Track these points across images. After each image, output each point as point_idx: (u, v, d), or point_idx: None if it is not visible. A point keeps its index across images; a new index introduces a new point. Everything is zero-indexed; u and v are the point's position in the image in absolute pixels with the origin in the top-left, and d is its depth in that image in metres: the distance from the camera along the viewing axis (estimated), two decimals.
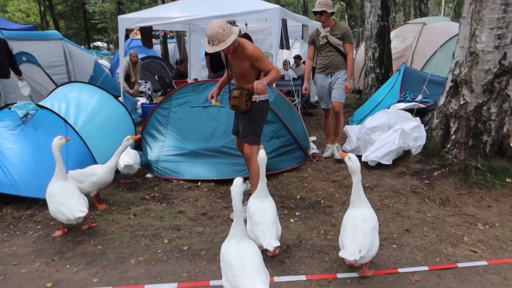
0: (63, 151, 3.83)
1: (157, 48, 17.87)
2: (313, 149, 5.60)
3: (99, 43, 30.01)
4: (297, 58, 10.59)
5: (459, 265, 2.74)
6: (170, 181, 4.48)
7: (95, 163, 4.18)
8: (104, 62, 15.64)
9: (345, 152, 5.31)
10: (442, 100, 4.64)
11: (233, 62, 3.43)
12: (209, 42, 3.20)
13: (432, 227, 3.28)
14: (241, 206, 2.35)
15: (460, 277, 2.62)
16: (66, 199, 3.08)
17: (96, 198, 3.83)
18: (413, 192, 3.98)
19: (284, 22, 6.86)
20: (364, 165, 4.80)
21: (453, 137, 4.48)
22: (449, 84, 4.53)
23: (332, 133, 5.33)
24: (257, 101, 3.39)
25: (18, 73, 6.61)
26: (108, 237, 3.19)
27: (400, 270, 2.69)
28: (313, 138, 6.32)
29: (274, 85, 6.78)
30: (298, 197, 3.99)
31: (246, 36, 7.93)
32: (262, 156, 2.89)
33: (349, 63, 4.96)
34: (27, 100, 5.33)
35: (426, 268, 2.71)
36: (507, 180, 4.06)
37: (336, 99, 5.02)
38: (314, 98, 9.59)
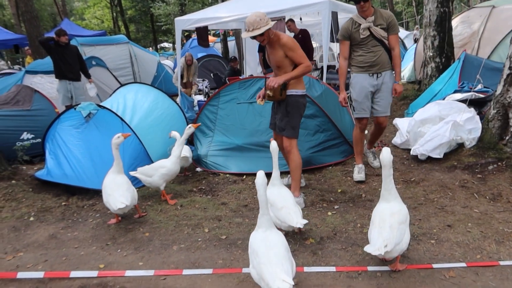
0: (120, 147, 4.20)
1: (218, 47, 18.45)
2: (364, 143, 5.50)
3: (165, 44, 31.59)
4: None
5: (501, 263, 2.60)
6: (218, 174, 4.70)
7: (149, 157, 4.52)
8: (169, 63, 16.45)
9: (396, 146, 5.22)
10: (499, 89, 4.35)
11: (270, 53, 3.56)
12: (246, 29, 3.41)
13: (477, 223, 3.13)
14: (266, 197, 2.46)
15: (500, 276, 2.50)
16: (114, 191, 3.39)
17: (165, 193, 4.06)
18: (462, 187, 3.80)
19: (334, 15, 6.79)
20: (414, 159, 4.67)
21: None
22: (506, 71, 4.23)
23: (367, 140, 4.67)
24: (271, 94, 3.49)
25: (88, 76, 7.25)
26: (155, 226, 3.47)
27: (435, 265, 2.62)
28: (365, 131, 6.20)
29: (324, 79, 6.77)
30: (339, 190, 4.00)
31: (304, 31, 7.98)
32: (273, 146, 3.02)
33: (397, 59, 4.09)
34: (94, 101, 5.87)
35: (463, 264, 2.62)
36: None
37: (383, 113, 4.19)
38: None
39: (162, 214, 3.72)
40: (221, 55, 15.42)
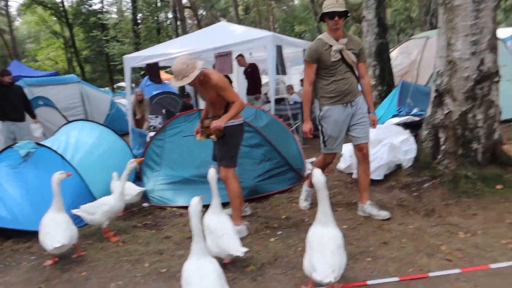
0: (60, 185, 4.07)
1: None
2: (309, 169, 5.64)
3: (122, 84, 31.40)
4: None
5: (430, 274, 2.70)
6: (165, 208, 4.63)
7: (92, 195, 4.40)
8: (125, 102, 16.30)
9: (340, 171, 5.37)
10: (428, 111, 4.64)
11: (202, 92, 3.62)
12: (174, 77, 3.39)
13: (411, 238, 3.25)
14: (199, 225, 2.46)
15: (430, 286, 2.59)
16: (52, 229, 3.26)
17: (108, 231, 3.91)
18: (399, 205, 3.95)
19: (279, 49, 7.08)
20: (357, 182, 4.81)
21: (443, 147, 4.44)
22: (433, 94, 4.54)
23: (360, 188, 3.91)
24: (215, 140, 3.56)
25: (33, 116, 7.08)
26: (94, 264, 3.34)
27: (369, 282, 2.68)
28: (313, 159, 6.36)
29: (272, 110, 6.94)
30: (284, 216, 4.04)
31: (253, 65, 8.23)
32: (211, 174, 3.06)
33: (368, 88, 3.80)
34: (39, 141, 5.69)
35: (396, 279, 2.69)
36: (498, 187, 3.97)
37: (364, 140, 3.76)
38: None
39: (102, 251, 3.59)
40: (177, 92, 15.49)
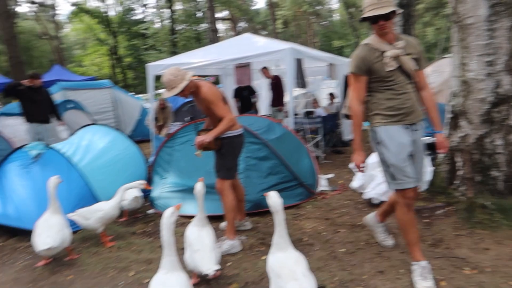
0: (64, 187, 4.12)
1: None
2: (324, 186, 5.45)
3: (162, 90, 32.37)
4: (331, 95, 10.56)
5: None
6: None
7: (95, 199, 4.44)
8: None
9: (353, 190, 5.15)
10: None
11: (197, 102, 3.58)
12: (165, 88, 3.39)
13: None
14: (170, 237, 2.39)
15: None
16: (44, 231, 3.29)
17: (104, 235, 3.93)
18: None
19: (299, 61, 6.96)
20: (368, 202, 4.59)
21: (460, 172, 4.15)
22: (448, 115, 4.27)
23: (383, 210, 3.40)
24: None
25: (59, 118, 7.33)
26: (82, 268, 3.33)
27: None
28: (331, 175, 6.15)
29: (290, 123, 6.80)
30: None
31: (276, 77, 8.17)
32: (198, 188, 2.96)
33: (433, 102, 2.92)
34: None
35: None
36: None
37: (419, 182, 2.97)
38: (348, 136, 9.38)
39: (94, 256, 3.59)
40: None
